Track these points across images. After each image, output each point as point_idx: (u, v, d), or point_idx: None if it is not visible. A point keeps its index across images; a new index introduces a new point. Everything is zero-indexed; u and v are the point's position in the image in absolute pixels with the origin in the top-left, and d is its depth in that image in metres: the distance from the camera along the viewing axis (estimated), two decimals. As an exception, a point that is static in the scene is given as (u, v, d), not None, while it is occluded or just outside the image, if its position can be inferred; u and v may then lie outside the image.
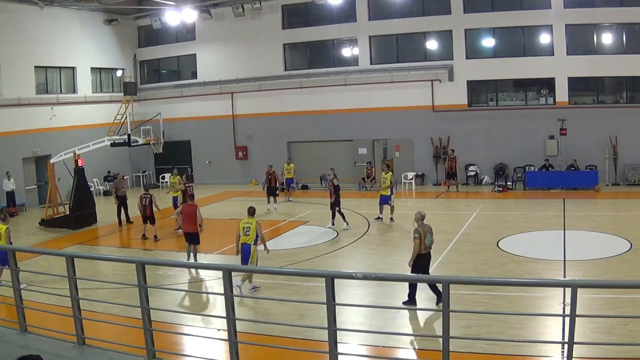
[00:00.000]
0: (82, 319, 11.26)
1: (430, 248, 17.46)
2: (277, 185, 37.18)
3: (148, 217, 29.82)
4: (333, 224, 30.38)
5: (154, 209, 30.07)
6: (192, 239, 24.50)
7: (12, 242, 21.66)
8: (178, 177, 34.51)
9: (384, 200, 31.31)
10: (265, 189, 36.73)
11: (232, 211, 36.04)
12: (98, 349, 11.33)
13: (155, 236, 29.61)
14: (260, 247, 20.41)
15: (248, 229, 20.21)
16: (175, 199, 33.68)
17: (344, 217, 30.35)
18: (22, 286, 12.00)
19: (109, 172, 47.87)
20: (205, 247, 27.71)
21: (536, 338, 14.89)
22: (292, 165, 40.00)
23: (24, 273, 13.83)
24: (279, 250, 26.55)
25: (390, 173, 31.89)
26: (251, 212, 21.07)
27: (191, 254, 24.42)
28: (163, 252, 27.44)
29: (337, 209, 30.18)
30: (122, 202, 34.53)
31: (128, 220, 34.62)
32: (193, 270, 23.54)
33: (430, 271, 21.84)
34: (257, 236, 20.19)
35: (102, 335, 12.92)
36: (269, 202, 36.44)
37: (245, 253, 20.22)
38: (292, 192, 40.44)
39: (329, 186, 31.75)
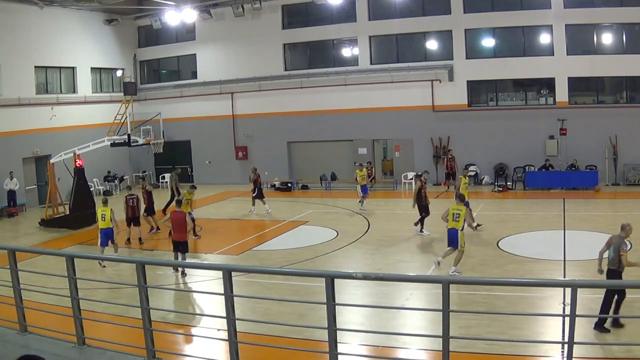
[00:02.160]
0: (82, 319, 11.26)
1: (613, 265, 16.16)
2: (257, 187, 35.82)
3: (134, 218, 29.36)
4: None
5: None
6: (181, 247, 23.14)
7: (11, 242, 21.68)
8: (193, 194, 30.51)
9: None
10: (256, 192, 35.67)
11: (232, 211, 36.06)
12: (98, 348, 11.32)
13: (140, 238, 29.26)
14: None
15: (458, 215, 21.29)
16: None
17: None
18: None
19: (109, 172, 47.90)
20: (205, 247, 27.79)
21: (536, 338, 14.89)
22: (364, 170, 36.52)
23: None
24: (278, 250, 26.62)
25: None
26: (462, 198, 22.48)
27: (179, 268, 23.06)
28: (163, 252, 27.39)
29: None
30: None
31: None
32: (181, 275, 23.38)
33: (430, 271, 21.92)
34: (464, 222, 21.34)
35: (102, 335, 12.91)
36: (253, 204, 35.73)
37: (452, 238, 21.38)
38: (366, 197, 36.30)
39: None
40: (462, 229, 21.22)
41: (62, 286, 12.11)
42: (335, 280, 9.29)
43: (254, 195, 35.57)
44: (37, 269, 21.70)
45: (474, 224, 24.19)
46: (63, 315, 12.43)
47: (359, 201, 35.16)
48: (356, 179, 35.50)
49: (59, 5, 43.02)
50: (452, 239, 21.34)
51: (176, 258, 23.15)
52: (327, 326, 9.21)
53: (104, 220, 25.68)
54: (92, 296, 15.81)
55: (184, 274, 22.82)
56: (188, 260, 23.23)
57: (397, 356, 14.69)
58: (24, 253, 19.15)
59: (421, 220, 28.11)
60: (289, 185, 45.01)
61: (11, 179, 38.99)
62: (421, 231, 27.90)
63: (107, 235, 25.60)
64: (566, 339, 8.56)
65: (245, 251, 26.75)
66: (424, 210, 28.13)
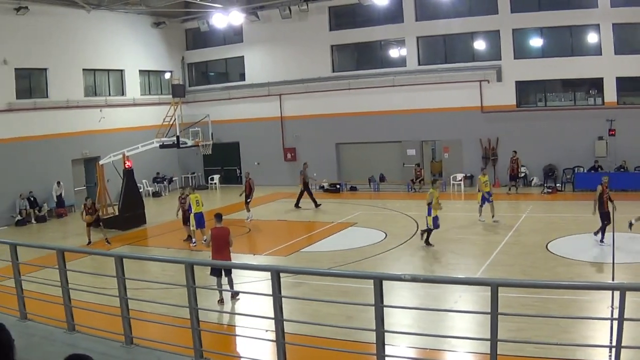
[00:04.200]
0: (130, 319, 11.28)
1: None
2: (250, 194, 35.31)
3: (188, 218, 29.43)
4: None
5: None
6: (226, 269, 19.54)
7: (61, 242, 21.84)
8: (197, 195, 29.43)
9: None
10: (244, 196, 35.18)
11: (281, 212, 36.04)
12: (146, 348, 11.38)
13: (190, 236, 29.50)
14: None
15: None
16: (198, 215, 28.83)
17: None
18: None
19: (158, 173, 48.35)
20: (254, 248, 27.83)
21: (584, 342, 14.78)
22: (487, 175, 32.70)
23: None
24: (327, 252, 26.61)
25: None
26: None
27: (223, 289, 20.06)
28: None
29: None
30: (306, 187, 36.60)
31: (316, 204, 37.64)
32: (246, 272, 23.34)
33: (479, 273, 21.77)
34: None
35: (150, 335, 13.00)
36: (248, 210, 35.24)
37: None
38: None
39: None
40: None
41: (110, 286, 12.14)
42: (383, 282, 9.32)
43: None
44: (85, 269, 21.92)
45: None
46: (111, 315, 12.49)
47: (481, 214, 31.65)
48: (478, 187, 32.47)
49: (106, 9, 43.48)
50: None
51: (219, 285, 19.48)
52: (375, 328, 9.22)
53: (199, 204, 27.48)
54: (140, 296, 15.83)
55: (235, 295, 20.42)
56: (236, 262, 22.46)
57: (445, 359, 14.58)
58: (73, 253, 19.26)
59: (602, 229, 25.54)
60: (338, 186, 45.01)
61: (58, 186, 39.99)
62: (601, 241, 25.37)
63: (202, 219, 27.51)
64: (614, 343, 8.40)
65: (294, 252, 26.88)
66: (605, 218, 25.43)
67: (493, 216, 30.49)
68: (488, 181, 31.43)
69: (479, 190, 31.39)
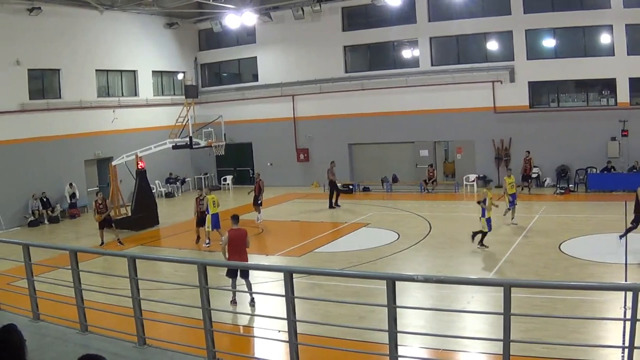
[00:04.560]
0: (142, 319, 11.28)
1: None
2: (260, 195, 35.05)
3: (203, 220, 29.31)
4: None
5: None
6: (242, 271, 19.10)
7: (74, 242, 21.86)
8: (214, 196, 29.48)
9: None
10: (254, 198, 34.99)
11: (294, 213, 36.01)
12: (158, 348, 11.41)
13: (206, 238, 29.29)
14: None
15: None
16: (214, 217, 28.92)
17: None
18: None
19: (170, 174, 48.41)
20: (267, 249, 27.82)
21: (596, 342, 14.74)
22: (512, 177, 31.63)
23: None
24: (340, 252, 26.60)
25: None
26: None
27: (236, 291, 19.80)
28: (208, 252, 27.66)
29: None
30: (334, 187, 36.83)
31: (336, 204, 38.09)
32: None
33: (491, 274, 21.72)
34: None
35: (163, 336, 12.99)
36: (259, 212, 35.03)
37: None
38: None
39: None
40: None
41: (122, 286, 12.14)
42: (396, 282, 9.32)
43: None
44: (97, 269, 21.94)
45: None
46: (123, 315, 12.51)
47: (506, 213, 31.03)
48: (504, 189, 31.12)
49: (119, 10, 43.54)
50: None
51: (234, 286, 19.12)
52: (387, 328, 9.21)
53: (215, 205, 27.94)
54: (153, 296, 15.85)
55: (252, 304, 19.40)
56: (249, 262, 21.42)
57: (457, 359, 14.53)
58: (85, 254, 19.29)
59: (630, 229, 24.40)
60: (351, 187, 44.99)
61: (70, 187, 40.22)
62: (621, 236, 24.60)
63: (218, 220, 27.90)
64: (626, 344, 8.36)
65: (306, 253, 26.86)
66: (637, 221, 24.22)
67: (513, 218, 30.31)
68: (514, 183, 30.91)
69: (505, 193, 30.92)
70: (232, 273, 19.08)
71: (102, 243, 30.32)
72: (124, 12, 44.45)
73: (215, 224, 28.50)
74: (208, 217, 28.41)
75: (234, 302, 19.53)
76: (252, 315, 18.36)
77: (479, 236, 25.76)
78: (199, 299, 10.60)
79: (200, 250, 28.29)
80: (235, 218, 20.22)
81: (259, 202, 34.83)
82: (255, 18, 46.38)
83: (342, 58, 47.42)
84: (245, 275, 18.99)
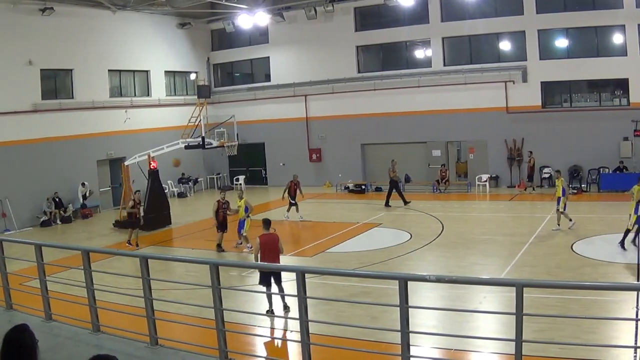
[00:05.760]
0: (155, 319, 11.28)
1: None
2: (295, 195, 35.45)
3: (224, 224, 28.61)
4: None
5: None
6: (276, 277, 18.26)
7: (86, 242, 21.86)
8: (245, 199, 28.70)
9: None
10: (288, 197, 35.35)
11: (306, 213, 35.98)
12: (170, 349, 11.40)
13: (220, 245, 28.31)
14: None
15: None
16: (241, 222, 28.41)
17: None
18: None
19: (183, 174, 48.39)
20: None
21: (609, 342, 14.66)
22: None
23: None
24: (352, 252, 26.57)
25: None
26: None
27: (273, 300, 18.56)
28: (236, 253, 27.61)
29: None
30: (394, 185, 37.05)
31: (405, 202, 37.84)
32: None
33: (504, 274, 21.67)
34: None
35: (175, 336, 13.03)
36: (289, 210, 35.39)
37: None
38: None
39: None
40: None
41: (134, 286, 12.14)
42: (408, 282, 9.30)
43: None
44: (110, 269, 21.95)
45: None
46: (136, 316, 12.51)
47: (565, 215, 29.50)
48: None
49: (131, 10, 43.62)
50: None
51: (269, 296, 18.25)
52: (399, 329, 9.21)
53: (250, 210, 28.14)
54: (165, 296, 15.85)
55: (287, 309, 18.40)
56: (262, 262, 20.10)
57: (469, 359, 14.50)
58: (98, 254, 19.30)
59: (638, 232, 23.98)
60: (363, 187, 44.99)
61: (83, 187, 40.16)
62: (633, 241, 24.10)
63: (244, 225, 27.63)
64: (639, 344, 8.32)
65: (319, 253, 26.91)
66: None
67: (561, 222, 29.05)
68: (561, 185, 29.75)
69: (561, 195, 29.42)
70: (266, 280, 18.09)
71: (129, 242, 30.08)
72: (136, 12, 44.55)
73: (241, 227, 28.05)
74: (247, 221, 27.94)
75: (271, 312, 18.25)
76: (265, 315, 18.31)
77: (633, 235, 24.22)
78: (211, 299, 10.58)
79: (213, 250, 27.88)
80: (267, 222, 19.38)
81: (294, 202, 35.14)
82: (267, 18, 46.40)
83: (355, 58, 47.36)
84: (278, 281, 18.21)
